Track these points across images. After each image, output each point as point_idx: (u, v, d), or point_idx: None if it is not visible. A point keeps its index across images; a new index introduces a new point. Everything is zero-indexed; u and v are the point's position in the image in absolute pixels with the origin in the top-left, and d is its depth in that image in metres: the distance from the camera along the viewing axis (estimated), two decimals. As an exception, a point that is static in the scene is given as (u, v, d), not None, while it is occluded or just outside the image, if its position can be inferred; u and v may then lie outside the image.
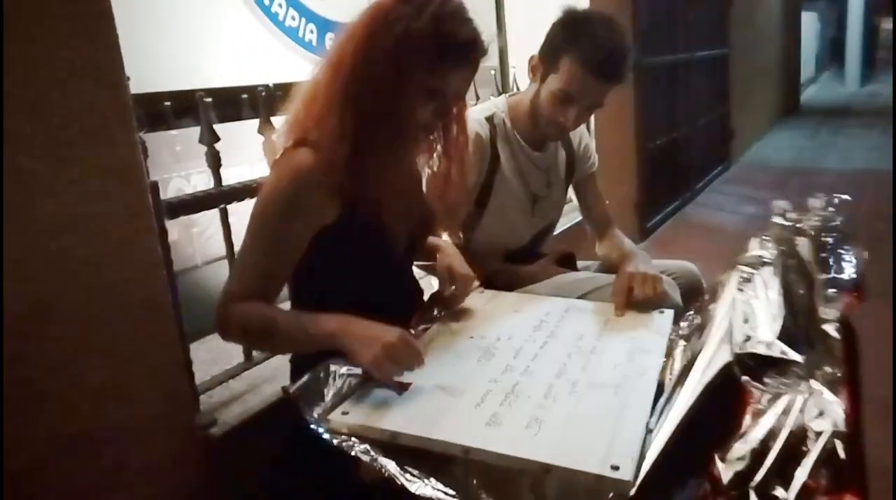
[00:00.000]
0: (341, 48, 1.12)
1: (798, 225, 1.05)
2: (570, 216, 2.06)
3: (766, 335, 0.91)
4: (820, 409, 0.80)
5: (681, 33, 4.79)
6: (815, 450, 0.76)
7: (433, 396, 1.04)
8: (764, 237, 1.11)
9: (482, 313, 1.39)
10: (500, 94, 2.32)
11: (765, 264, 1.05)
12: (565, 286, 1.59)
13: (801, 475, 0.75)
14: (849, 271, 0.96)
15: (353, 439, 0.95)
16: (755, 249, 1.11)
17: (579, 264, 1.83)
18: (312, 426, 0.97)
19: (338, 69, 1.10)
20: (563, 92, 1.54)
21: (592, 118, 3.13)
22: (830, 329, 0.88)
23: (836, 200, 1.06)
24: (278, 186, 1.13)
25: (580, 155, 1.82)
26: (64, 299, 1.05)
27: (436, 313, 1.35)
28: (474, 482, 0.89)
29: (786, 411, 0.80)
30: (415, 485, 0.86)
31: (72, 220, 1.05)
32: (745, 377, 0.86)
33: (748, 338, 0.90)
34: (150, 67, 1.54)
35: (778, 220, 1.05)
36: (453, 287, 1.36)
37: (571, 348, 1.20)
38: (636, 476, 0.83)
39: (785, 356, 0.87)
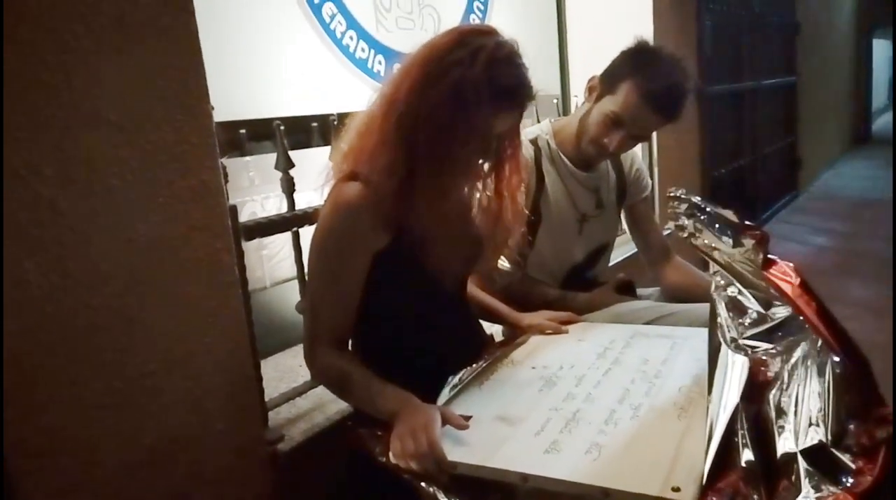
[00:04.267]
0: (396, 85, 1.13)
1: (688, 228, 1.08)
2: (629, 246, 2.05)
3: (756, 310, 0.95)
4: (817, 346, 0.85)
5: (747, 61, 4.74)
6: (829, 381, 0.82)
7: (492, 426, 1.05)
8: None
9: (544, 342, 1.40)
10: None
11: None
12: (625, 315, 1.58)
13: (832, 410, 0.81)
14: (732, 218, 1.00)
15: None
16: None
17: (639, 291, 1.82)
18: (379, 459, 1.00)
19: (392, 106, 1.12)
20: (615, 114, 1.56)
21: (655, 145, 3.12)
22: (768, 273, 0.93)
23: (676, 193, 1.10)
24: (330, 224, 1.16)
25: (632, 179, 1.81)
26: (148, 314, 1.11)
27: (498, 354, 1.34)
28: None
29: (798, 363, 0.87)
30: None
31: (158, 239, 1.11)
32: (753, 356, 0.90)
33: (740, 325, 0.95)
34: (225, 96, 1.61)
35: (682, 235, 1.08)
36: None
37: (636, 374, 1.19)
38: (697, 498, 0.82)
39: (776, 318, 0.92)
